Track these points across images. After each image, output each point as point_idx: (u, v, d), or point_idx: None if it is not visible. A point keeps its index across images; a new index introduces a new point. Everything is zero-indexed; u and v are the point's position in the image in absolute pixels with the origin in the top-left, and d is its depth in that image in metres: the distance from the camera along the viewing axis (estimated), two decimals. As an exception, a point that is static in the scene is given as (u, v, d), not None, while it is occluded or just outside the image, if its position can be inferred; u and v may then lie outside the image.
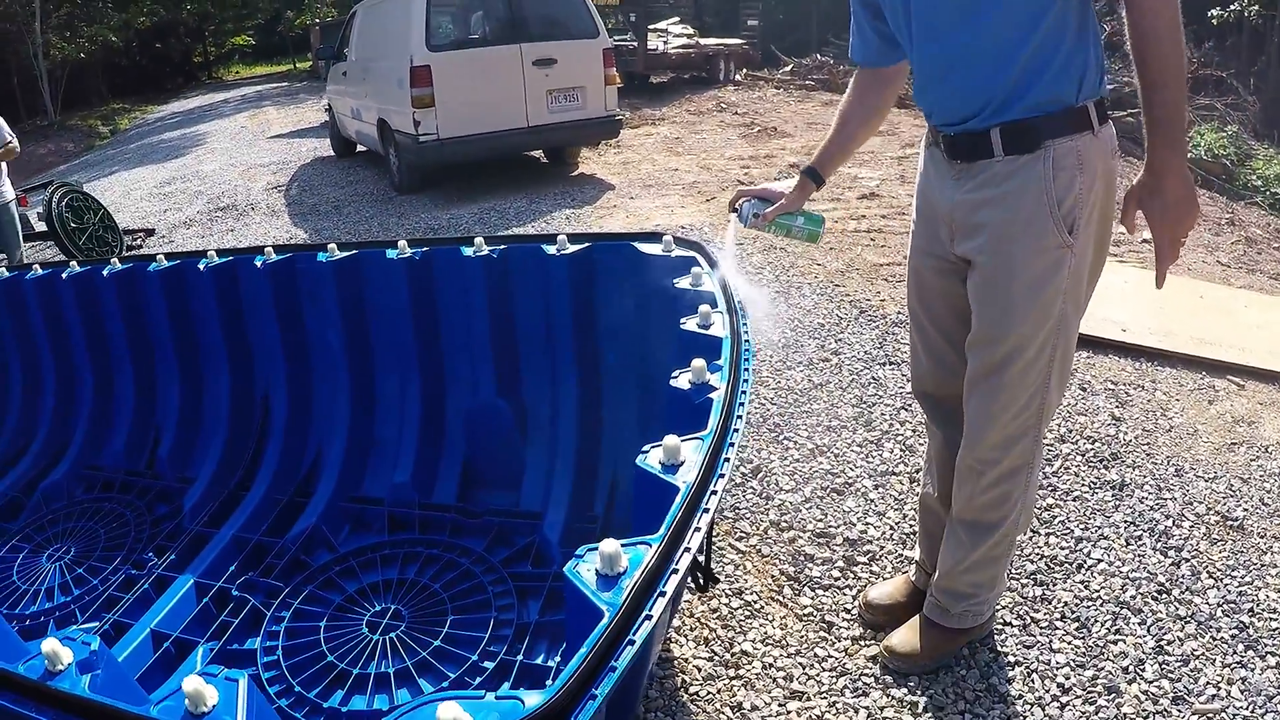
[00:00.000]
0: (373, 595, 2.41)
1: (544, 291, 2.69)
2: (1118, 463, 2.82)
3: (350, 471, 2.96)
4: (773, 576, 2.40)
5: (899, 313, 4.03)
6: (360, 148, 9.97)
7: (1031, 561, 2.38)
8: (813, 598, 2.30)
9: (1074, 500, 2.64)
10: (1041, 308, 1.63)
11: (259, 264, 2.98)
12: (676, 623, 2.23)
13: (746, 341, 1.82)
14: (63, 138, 18.74)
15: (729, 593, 2.34)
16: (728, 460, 1.45)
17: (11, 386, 3.81)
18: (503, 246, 2.70)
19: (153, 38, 28.20)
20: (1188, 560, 2.35)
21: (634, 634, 1.10)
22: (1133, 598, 2.23)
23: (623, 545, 1.24)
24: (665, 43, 12.76)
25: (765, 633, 2.19)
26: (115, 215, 8.26)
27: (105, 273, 3.31)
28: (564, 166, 8.39)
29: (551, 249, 2.59)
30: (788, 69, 13.18)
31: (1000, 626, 2.15)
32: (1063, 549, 2.42)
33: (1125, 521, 2.52)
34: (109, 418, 3.53)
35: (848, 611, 2.25)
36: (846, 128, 2.00)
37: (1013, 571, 2.32)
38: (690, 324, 1.93)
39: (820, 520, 2.60)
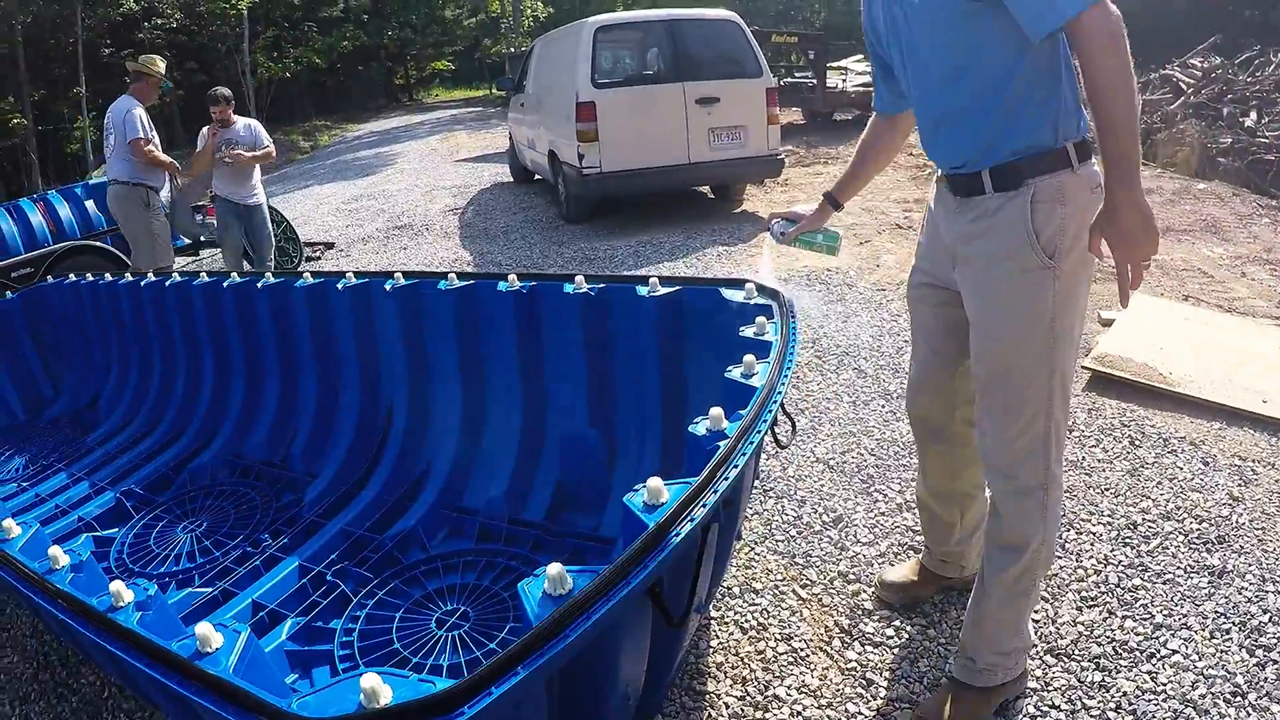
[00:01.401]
0: (449, 596, 2.70)
1: (635, 330, 2.93)
2: (1223, 547, 2.74)
3: (454, 482, 3.30)
4: (826, 627, 2.51)
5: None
6: (536, 176, 10.65)
7: (1098, 644, 2.38)
8: (860, 652, 2.41)
9: (1164, 583, 2.60)
10: (1028, 328, 1.87)
11: (388, 287, 3.39)
12: (719, 658, 2.40)
13: (778, 394, 1.96)
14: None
15: (778, 637, 2.48)
16: (704, 507, 1.54)
17: (178, 378, 4.45)
18: (601, 285, 2.98)
19: (356, 60, 30.87)
20: (1276, 663, 2.29)
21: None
22: (1202, 697, 2.20)
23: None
24: (844, 80, 12.88)
25: (803, 681, 2.31)
26: (302, 227, 9.23)
27: (259, 285, 3.83)
28: (728, 203, 8.68)
29: (644, 290, 2.84)
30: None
31: (1047, 709, 2.19)
32: (1137, 634, 2.40)
33: (1215, 612, 2.47)
34: (255, 413, 4.07)
35: (892, 671, 2.34)
36: (864, 163, 2.44)
37: (1074, 652, 2.34)
38: (735, 372, 2.11)
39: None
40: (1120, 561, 2.69)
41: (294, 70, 24.86)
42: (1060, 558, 2.70)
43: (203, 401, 4.33)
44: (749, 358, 2.10)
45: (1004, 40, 1.75)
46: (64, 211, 8.06)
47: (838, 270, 5.84)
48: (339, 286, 3.58)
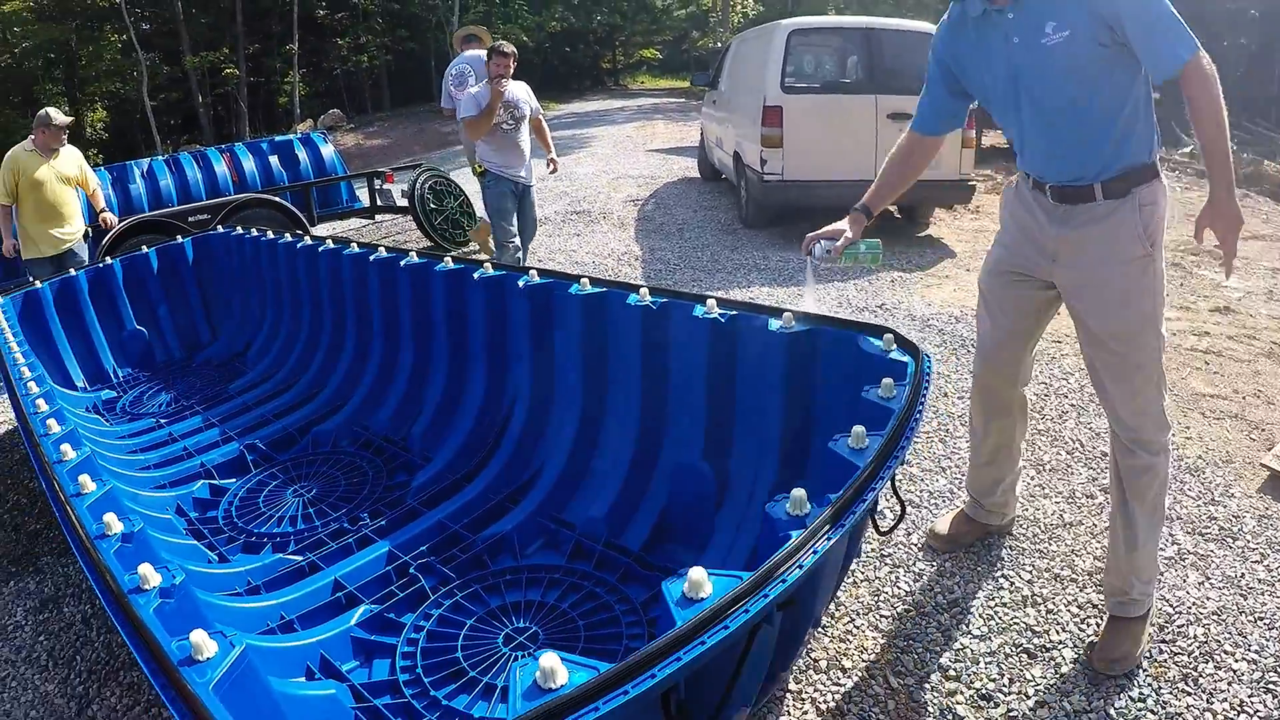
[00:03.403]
0: (525, 612, 2.71)
1: (761, 365, 2.84)
2: None
3: (558, 493, 3.31)
4: (909, 725, 2.35)
5: (1199, 458, 3.65)
6: (723, 175, 10.63)
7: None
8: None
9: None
10: (1139, 303, 2.39)
11: (520, 284, 3.44)
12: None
13: (882, 477, 1.81)
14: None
15: (854, 727, 2.34)
16: (746, 612, 1.42)
17: (321, 342, 4.68)
18: (732, 312, 2.90)
19: (564, 41, 31.78)
20: None
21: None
22: None
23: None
24: None
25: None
26: (481, 203, 9.56)
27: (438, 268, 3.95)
28: (913, 225, 8.36)
29: (776, 324, 2.75)
30: (1187, 150, 12.02)
31: None
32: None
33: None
34: (386, 388, 4.23)
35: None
36: (896, 176, 2.83)
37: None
38: (841, 444, 1.99)
39: (993, 681, 2.49)
40: (1258, 711, 2.38)
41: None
42: (1189, 694, 2.42)
43: (340, 368, 4.55)
44: (858, 429, 1.98)
45: (1122, 79, 2.27)
46: (248, 164, 8.70)
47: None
48: (475, 276, 3.65)
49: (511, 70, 5.87)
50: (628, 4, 32.90)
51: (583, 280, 3.33)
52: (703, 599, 1.45)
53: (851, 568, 2.98)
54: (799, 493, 1.75)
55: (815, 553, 1.54)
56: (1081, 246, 2.42)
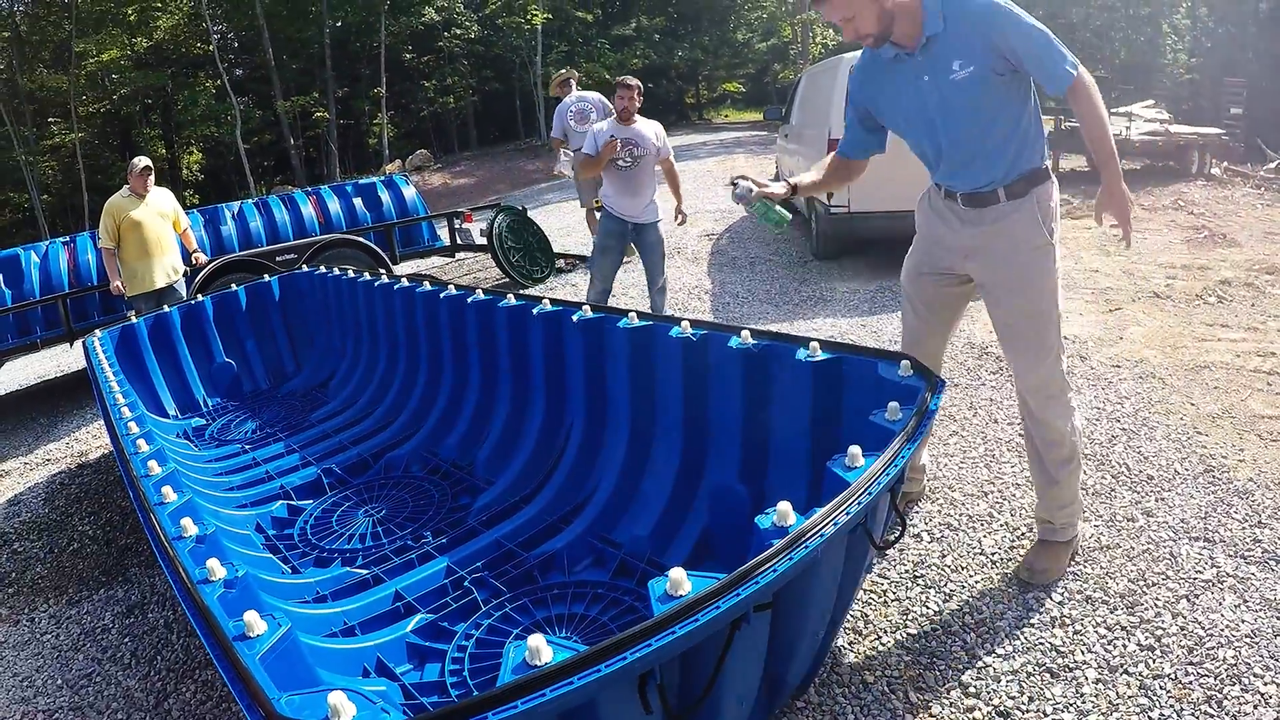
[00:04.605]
0: (567, 624, 2.93)
1: (791, 391, 3.04)
2: None
3: (608, 514, 3.54)
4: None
5: (1249, 480, 3.67)
6: (795, 208, 10.80)
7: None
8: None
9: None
10: (1043, 283, 2.89)
11: (574, 319, 3.71)
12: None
13: (869, 494, 1.96)
14: (550, 158, 22.38)
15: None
16: (716, 609, 1.61)
17: (396, 374, 5.04)
18: (764, 342, 3.11)
19: (647, 77, 32.34)
20: None
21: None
22: None
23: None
24: (1130, 127, 12.02)
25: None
26: (563, 239, 9.94)
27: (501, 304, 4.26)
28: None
29: (803, 354, 2.94)
30: (1273, 165, 11.67)
31: None
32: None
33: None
34: (454, 417, 4.54)
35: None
36: (823, 183, 3.33)
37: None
38: (837, 461, 2.17)
39: (1012, 699, 2.60)
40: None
41: (584, 85, 26.63)
42: (1211, 715, 2.49)
43: (413, 398, 4.89)
44: (854, 449, 2.15)
45: (1016, 100, 2.79)
46: (333, 206, 9.22)
47: (1075, 339, 5.55)
48: (534, 312, 3.94)
49: (638, 104, 5.82)
50: (709, 39, 33.42)
51: (630, 315, 3.58)
52: (681, 595, 1.65)
53: (878, 586, 3.14)
54: (784, 505, 1.93)
55: (790, 559, 1.72)
56: (993, 241, 2.90)
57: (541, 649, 1.54)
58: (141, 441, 3.27)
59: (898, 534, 2.68)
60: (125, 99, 26.60)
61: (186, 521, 2.38)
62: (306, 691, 1.60)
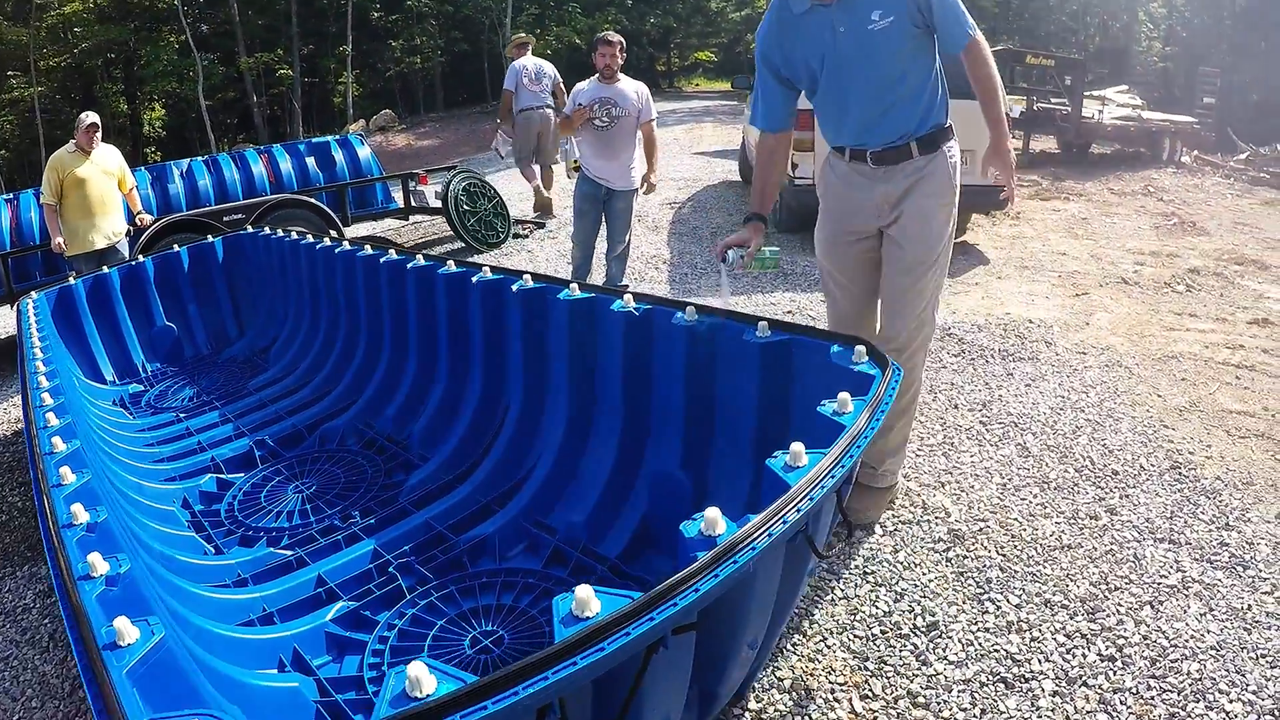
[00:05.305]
0: (496, 615, 2.75)
1: (737, 373, 2.86)
2: None
3: (543, 497, 3.35)
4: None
5: (1217, 479, 3.57)
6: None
7: None
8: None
9: None
10: (943, 230, 3.05)
11: (514, 288, 3.50)
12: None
13: (812, 498, 1.77)
14: (495, 120, 21.97)
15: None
16: (626, 635, 1.40)
17: (336, 342, 4.81)
18: (710, 319, 2.92)
19: (617, 43, 32.00)
20: None
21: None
22: None
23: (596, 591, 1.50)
24: (1103, 110, 12.03)
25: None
26: (521, 203, 9.66)
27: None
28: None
29: (751, 333, 2.76)
30: (1243, 156, 11.76)
31: None
32: None
33: None
34: (391, 389, 4.32)
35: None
36: (770, 180, 3.28)
37: None
38: (778, 460, 1.97)
39: (964, 710, 2.44)
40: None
41: (555, 49, 26.14)
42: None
43: (353, 367, 4.67)
44: (796, 446, 1.94)
45: (929, 54, 2.92)
46: (285, 165, 8.89)
47: (1040, 323, 5.44)
48: (473, 280, 3.73)
49: (620, 60, 5.60)
50: (682, 6, 32.96)
51: (572, 286, 3.38)
52: (588, 617, 1.46)
53: (825, 583, 3.00)
54: (712, 512, 1.71)
55: (716, 577, 1.51)
56: (909, 194, 3.01)
57: (423, 679, 1.33)
58: (51, 415, 3.04)
59: (845, 535, 2.51)
60: (87, 53, 25.77)
61: (77, 508, 2.16)
62: (175, 715, 1.42)
